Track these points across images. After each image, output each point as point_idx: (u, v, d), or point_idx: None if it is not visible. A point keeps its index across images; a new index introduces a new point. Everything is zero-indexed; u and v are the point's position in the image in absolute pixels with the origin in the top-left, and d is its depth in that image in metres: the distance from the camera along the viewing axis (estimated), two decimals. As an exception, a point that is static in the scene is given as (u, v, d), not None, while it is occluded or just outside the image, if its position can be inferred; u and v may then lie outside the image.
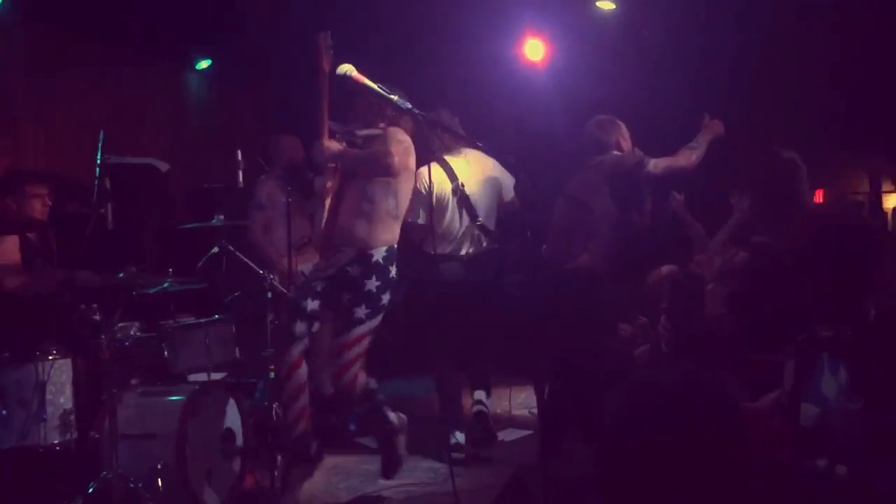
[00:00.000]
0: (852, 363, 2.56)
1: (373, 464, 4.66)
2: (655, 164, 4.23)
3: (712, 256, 4.30)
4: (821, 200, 4.58)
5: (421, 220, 4.54)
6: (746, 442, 1.45)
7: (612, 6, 6.29)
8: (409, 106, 3.29)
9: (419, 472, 4.47)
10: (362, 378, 3.94)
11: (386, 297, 3.89)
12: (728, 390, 1.47)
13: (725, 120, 4.37)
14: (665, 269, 4.43)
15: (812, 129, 6.35)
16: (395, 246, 3.96)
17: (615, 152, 4.36)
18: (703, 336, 3.92)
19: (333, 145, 3.84)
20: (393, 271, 3.91)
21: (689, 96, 5.70)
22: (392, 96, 3.29)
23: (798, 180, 3.96)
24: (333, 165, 3.94)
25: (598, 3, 6.29)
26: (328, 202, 3.94)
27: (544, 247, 4.48)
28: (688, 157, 4.23)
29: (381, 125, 3.93)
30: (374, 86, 3.27)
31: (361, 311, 3.84)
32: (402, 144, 3.87)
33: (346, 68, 3.36)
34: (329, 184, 3.94)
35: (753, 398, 3.12)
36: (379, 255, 3.86)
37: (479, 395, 4.84)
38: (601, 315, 4.22)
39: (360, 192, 3.89)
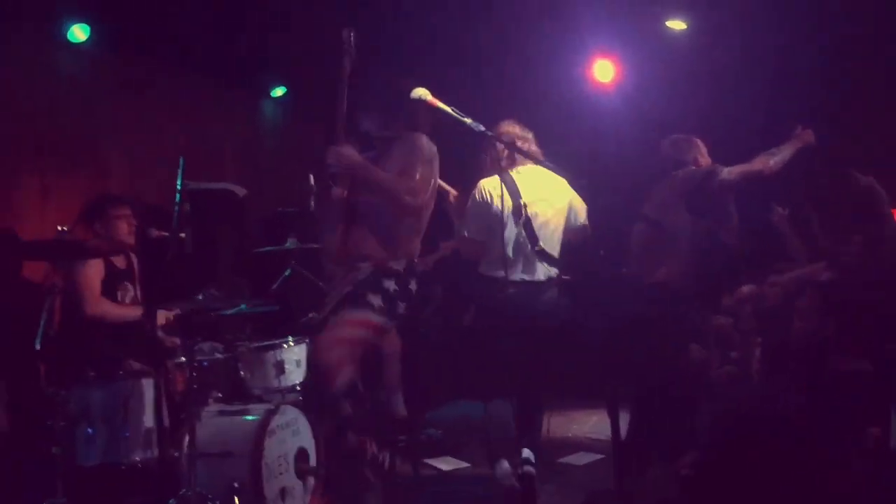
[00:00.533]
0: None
1: (443, 484, 4.67)
2: (729, 172, 4.13)
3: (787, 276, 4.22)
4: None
5: (477, 237, 4.26)
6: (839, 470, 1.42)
7: (684, 26, 6.23)
8: (483, 128, 3.29)
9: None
10: (347, 373, 3.49)
11: (402, 306, 3.57)
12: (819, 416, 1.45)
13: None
14: (746, 288, 4.35)
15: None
16: (416, 260, 3.67)
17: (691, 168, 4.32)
18: (795, 354, 3.83)
19: (348, 155, 3.51)
20: (412, 284, 3.60)
21: (765, 116, 5.60)
22: (465, 119, 3.29)
23: (877, 204, 3.88)
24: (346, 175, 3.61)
25: (668, 23, 6.24)
26: (340, 212, 3.63)
27: (624, 270, 4.40)
28: (764, 162, 4.08)
29: (400, 125, 3.65)
30: (448, 109, 3.28)
31: (376, 300, 3.50)
32: (427, 167, 3.56)
33: (421, 92, 3.37)
34: (342, 193, 3.63)
35: (850, 408, 3.05)
36: (398, 266, 3.57)
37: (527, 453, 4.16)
38: (676, 333, 4.14)
39: (376, 206, 3.58)
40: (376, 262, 3.54)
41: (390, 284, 3.53)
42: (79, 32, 5.18)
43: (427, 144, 3.62)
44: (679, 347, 4.19)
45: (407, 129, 3.65)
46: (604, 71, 6.38)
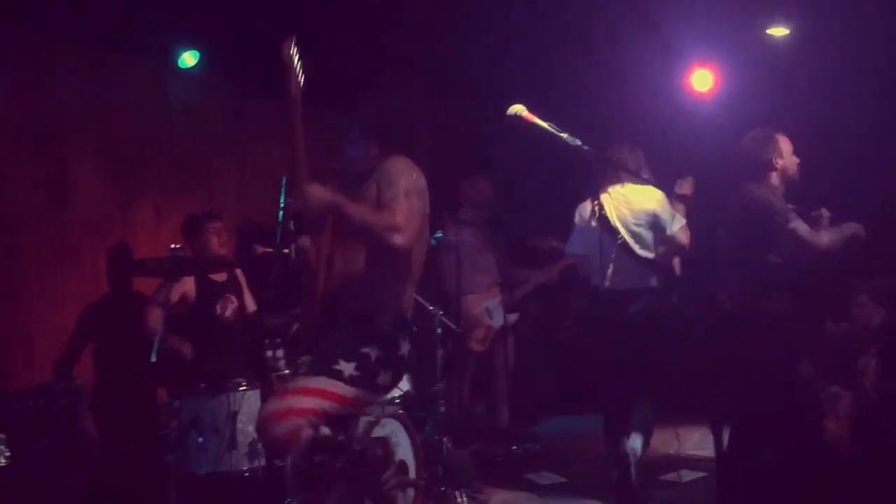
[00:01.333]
0: None
1: (541, 499, 4.66)
2: (797, 228, 3.93)
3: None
4: None
5: (577, 251, 4.62)
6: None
7: (785, 32, 6.06)
8: (579, 143, 3.28)
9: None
10: (299, 451, 2.86)
11: (384, 378, 3.00)
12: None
13: None
14: (867, 287, 4.17)
15: None
16: (409, 315, 3.10)
17: (774, 174, 4.10)
18: None
19: (316, 194, 2.87)
20: (403, 348, 3.03)
21: (871, 125, 5.39)
22: (562, 134, 3.28)
23: None
24: (324, 219, 3.06)
25: (769, 30, 6.08)
26: (319, 260, 3.10)
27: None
28: (821, 238, 3.96)
29: (375, 150, 3.11)
30: (545, 125, 3.27)
31: (348, 368, 2.91)
32: (411, 197, 2.94)
33: (517, 109, 3.35)
34: (315, 243, 3.13)
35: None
36: (383, 322, 3.02)
37: (635, 442, 4.39)
38: (782, 346, 3.99)
39: (357, 249, 3.02)
40: (359, 316, 2.98)
41: (372, 352, 2.94)
42: (189, 59, 5.42)
43: (408, 169, 3.04)
44: (787, 361, 4.05)
45: (388, 155, 3.10)
46: (702, 80, 6.26)
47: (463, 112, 6.79)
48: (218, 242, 4.73)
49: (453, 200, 5.88)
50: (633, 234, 4.40)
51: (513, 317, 5.86)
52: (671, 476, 4.92)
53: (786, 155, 4.13)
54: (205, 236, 4.69)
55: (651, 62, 6.04)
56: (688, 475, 4.91)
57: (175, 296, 4.36)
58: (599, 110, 6.08)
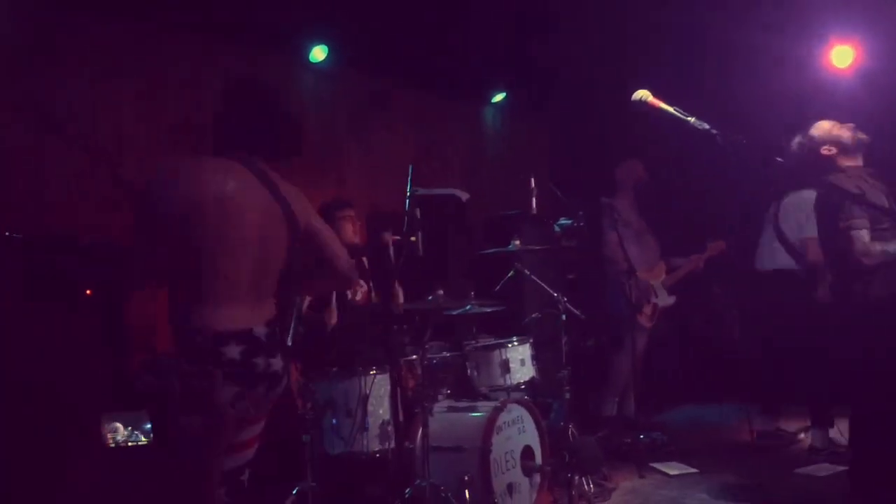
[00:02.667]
0: None
1: (669, 489, 4.59)
2: (857, 237, 3.65)
3: None
4: None
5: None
6: None
7: (934, 2, 5.68)
8: (707, 126, 3.20)
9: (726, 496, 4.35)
10: None
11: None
12: None
13: None
14: None
15: None
16: (260, 330, 2.56)
17: (838, 160, 3.86)
18: None
19: None
20: (258, 364, 2.55)
21: None
22: (689, 118, 3.20)
23: None
24: None
25: (916, 1, 5.72)
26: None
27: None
28: (874, 251, 3.64)
29: None
30: (671, 109, 3.21)
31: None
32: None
33: (642, 94, 3.30)
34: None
35: None
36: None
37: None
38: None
39: None
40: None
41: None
42: (318, 53, 5.62)
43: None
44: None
45: None
46: (842, 56, 5.97)
47: (575, 99, 6.80)
48: (352, 230, 4.85)
49: (610, 183, 5.95)
50: (788, 220, 5.18)
51: (671, 299, 5.89)
52: (809, 469, 4.76)
53: (843, 138, 3.92)
54: (338, 223, 4.81)
55: (788, 40, 5.80)
56: (825, 469, 4.73)
57: None
58: (733, 92, 5.90)
